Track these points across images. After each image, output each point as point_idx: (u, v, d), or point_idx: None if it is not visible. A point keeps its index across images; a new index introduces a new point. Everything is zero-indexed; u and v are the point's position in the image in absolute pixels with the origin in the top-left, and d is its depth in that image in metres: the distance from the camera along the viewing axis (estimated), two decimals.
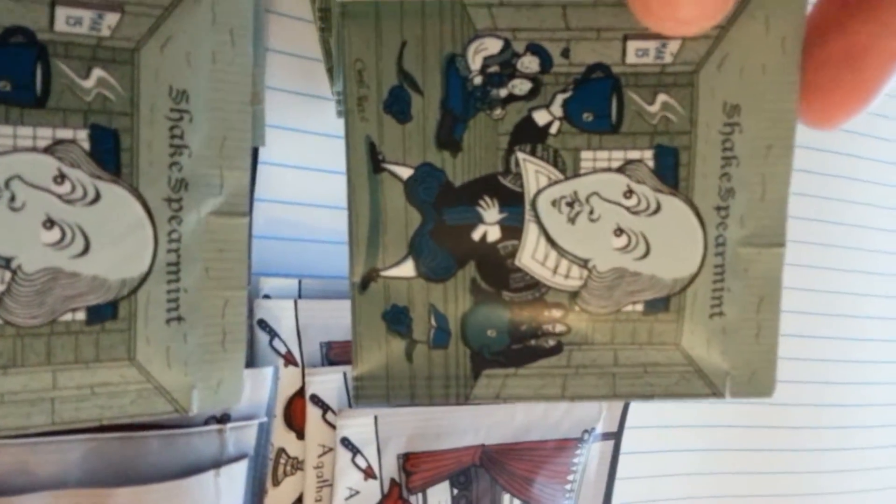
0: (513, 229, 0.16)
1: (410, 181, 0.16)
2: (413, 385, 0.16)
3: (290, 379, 0.25)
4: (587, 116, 0.16)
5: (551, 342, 0.17)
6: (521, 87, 0.16)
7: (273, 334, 0.25)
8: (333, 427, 0.25)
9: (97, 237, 0.20)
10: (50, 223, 0.19)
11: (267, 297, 0.25)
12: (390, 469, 0.26)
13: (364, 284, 0.16)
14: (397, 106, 0.16)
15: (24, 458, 0.20)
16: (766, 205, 0.18)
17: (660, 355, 0.18)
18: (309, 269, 0.26)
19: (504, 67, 0.16)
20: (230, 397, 0.23)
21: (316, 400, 0.25)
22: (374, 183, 0.16)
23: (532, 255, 0.16)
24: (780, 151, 0.18)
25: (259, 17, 0.22)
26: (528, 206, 0.16)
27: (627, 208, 0.17)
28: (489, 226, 0.16)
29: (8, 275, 0.19)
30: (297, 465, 0.25)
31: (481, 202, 0.16)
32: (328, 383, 0.25)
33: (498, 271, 0.16)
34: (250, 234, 0.24)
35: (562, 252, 0.16)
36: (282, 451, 0.25)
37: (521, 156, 0.16)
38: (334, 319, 0.26)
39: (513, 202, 0.16)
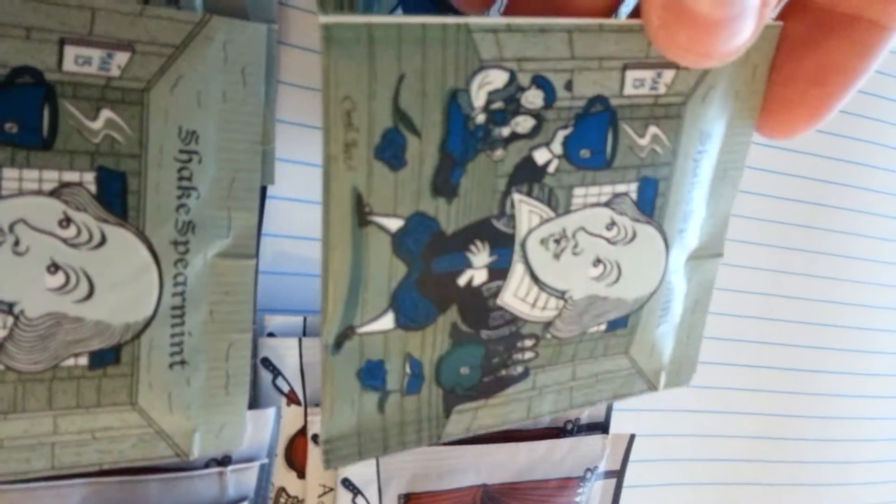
0: (500, 271, 0.16)
1: (399, 233, 0.14)
2: (385, 436, 0.16)
3: (292, 418, 0.24)
4: (584, 153, 0.16)
5: (519, 369, 0.17)
6: (524, 124, 0.15)
7: (276, 373, 0.24)
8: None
9: (102, 281, 0.19)
10: (54, 267, 0.19)
11: (271, 335, 0.24)
12: None
13: (338, 344, 0.15)
14: (391, 151, 0.14)
15: (23, 503, 0.20)
16: (713, 220, 0.19)
17: (610, 363, 0.18)
18: (314, 304, 0.26)
19: (508, 103, 0.15)
20: (232, 441, 0.22)
21: (318, 439, 0.25)
22: (358, 238, 0.14)
23: (514, 293, 0.16)
24: (734, 173, 0.19)
25: (272, 53, 0.22)
26: (517, 247, 0.16)
27: (607, 239, 0.17)
28: (476, 270, 0.15)
29: (10, 320, 0.19)
30: None
31: (472, 247, 0.15)
32: None
33: (479, 312, 0.16)
34: (256, 271, 0.24)
35: (542, 287, 0.16)
36: (282, 490, 0.25)
37: (517, 197, 0.15)
38: None
39: (503, 244, 0.15)
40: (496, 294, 0.16)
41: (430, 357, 0.15)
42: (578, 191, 0.16)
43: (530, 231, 0.16)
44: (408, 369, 0.15)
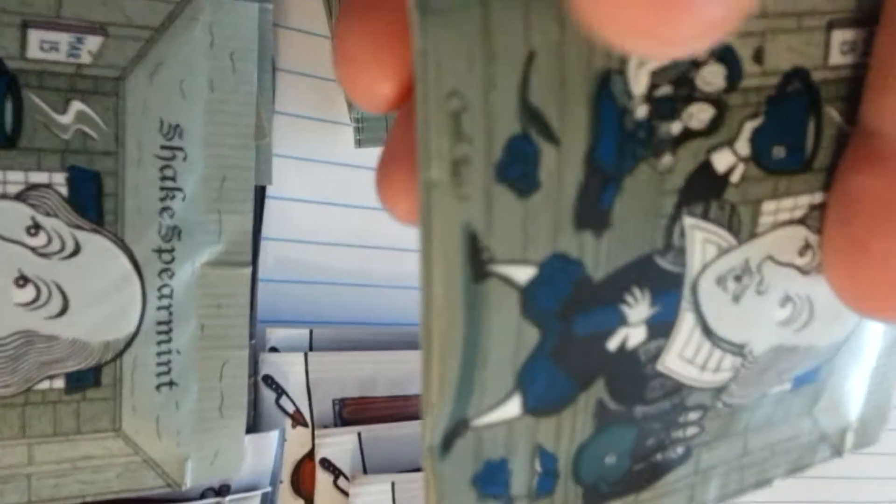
0: (662, 326, 0.12)
1: (531, 287, 0.10)
2: None
3: (298, 440, 0.22)
4: (778, 152, 0.12)
5: (680, 450, 0.13)
6: (700, 115, 0.11)
7: (280, 391, 0.22)
8: (346, 494, 0.22)
9: (77, 295, 0.17)
10: (23, 280, 0.17)
11: (274, 349, 0.22)
12: None
13: (447, 444, 0.11)
14: (519, 168, 0.10)
15: None
16: None
17: (791, 429, 0.15)
18: (322, 314, 0.23)
19: (679, 87, 0.11)
20: (229, 468, 0.20)
21: (326, 464, 0.22)
22: (474, 298, 0.10)
23: (680, 354, 0.12)
24: None
25: (265, 36, 0.20)
26: (686, 292, 0.12)
27: (799, 269, 0.13)
28: (632, 328, 0.11)
29: None
30: None
31: (628, 297, 0.11)
32: (341, 445, 0.23)
33: (634, 383, 0.12)
34: (255, 278, 0.21)
35: (716, 342, 0.12)
36: None
37: (689, 222, 0.11)
38: (349, 373, 0.23)
39: (668, 289, 0.12)
40: (656, 357, 0.12)
41: (567, 448, 0.12)
42: (768, 206, 0.12)
43: (704, 268, 0.12)
44: (538, 466, 0.12)
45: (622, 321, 0.11)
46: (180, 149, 0.18)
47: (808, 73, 0.11)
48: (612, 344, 0.11)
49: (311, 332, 0.23)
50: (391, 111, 0.11)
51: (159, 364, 0.19)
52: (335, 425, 0.23)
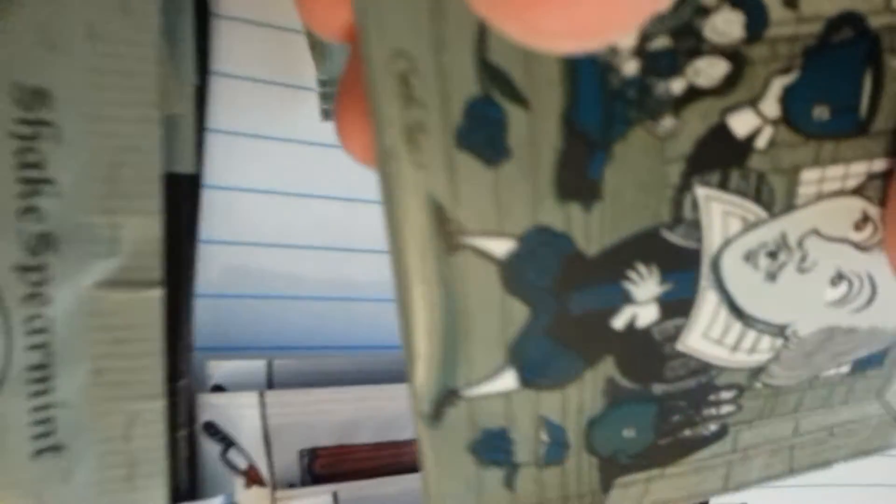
0: (678, 304, 0.12)
1: (511, 260, 0.11)
2: None
3: None
4: (821, 112, 0.11)
5: (713, 427, 0.13)
6: (709, 71, 0.11)
7: (227, 443, 0.19)
8: None
9: None
10: None
11: (219, 388, 0.19)
12: None
13: (437, 413, 0.11)
14: (481, 134, 0.10)
15: None
16: None
17: (852, 412, 0.15)
18: (284, 338, 0.20)
19: (681, 37, 0.10)
20: None
21: None
22: (447, 269, 0.10)
23: (704, 334, 0.12)
24: None
25: None
26: (706, 269, 0.12)
27: (855, 244, 0.12)
28: (640, 306, 0.12)
29: None
30: None
31: (631, 274, 0.11)
32: None
33: (649, 361, 0.12)
34: (190, 293, 0.17)
35: (749, 322, 0.12)
36: None
37: (702, 193, 0.11)
38: (321, 415, 0.19)
39: (682, 265, 0.12)
40: (674, 337, 0.12)
41: (575, 421, 0.12)
42: (808, 174, 0.12)
43: (727, 242, 0.12)
44: (544, 437, 0.12)
45: (626, 299, 0.11)
46: (48, 123, 0.13)
47: (863, 17, 0.11)
48: (618, 322, 0.12)
49: (269, 364, 0.19)
50: (352, 40, 0.10)
51: (36, 423, 0.14)
52: (303, 483, 0.19)
